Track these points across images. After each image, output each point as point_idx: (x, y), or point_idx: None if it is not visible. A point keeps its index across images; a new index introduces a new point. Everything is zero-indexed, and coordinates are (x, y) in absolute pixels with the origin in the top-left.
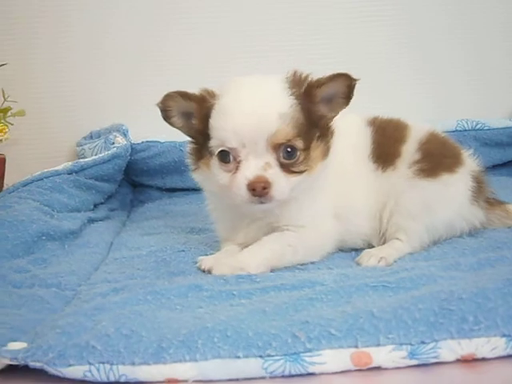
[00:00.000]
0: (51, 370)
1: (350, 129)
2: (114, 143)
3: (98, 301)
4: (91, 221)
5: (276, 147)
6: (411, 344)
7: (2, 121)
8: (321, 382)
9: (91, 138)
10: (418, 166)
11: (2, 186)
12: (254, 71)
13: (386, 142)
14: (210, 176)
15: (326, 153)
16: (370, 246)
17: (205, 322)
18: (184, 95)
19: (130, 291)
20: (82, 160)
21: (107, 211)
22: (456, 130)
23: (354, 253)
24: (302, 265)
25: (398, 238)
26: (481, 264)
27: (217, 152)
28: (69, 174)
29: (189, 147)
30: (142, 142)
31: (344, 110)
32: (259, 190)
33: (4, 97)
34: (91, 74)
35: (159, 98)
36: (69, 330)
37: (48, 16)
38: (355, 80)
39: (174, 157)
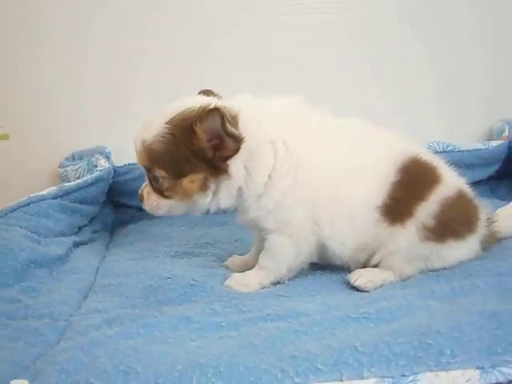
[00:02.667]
0: None
1: (376, 165)
2: (96, 166)
3: (93, 334)
4: (76, 245)
5: (146, 170)
6: (393, 377)
7: None
8: None
9: (73, 159)
10: (429, 233)
11: None
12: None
13: (404, 199)
14: None
15: (203, 187)
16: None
17: (198, 357)
18: None
19: (123, 324)
20: (66, 184)
21: (90, 233)
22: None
23: (334, 276)
24: (286, 291)
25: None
26: (454, 293)
27: None
28: (54, 198)
29: None
30: (125, 165)
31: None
32: (138, 198)
33: None
34: (72, 95)
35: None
36: (67, 367)
37: (28, 36)
38: (224, 112)
39: None
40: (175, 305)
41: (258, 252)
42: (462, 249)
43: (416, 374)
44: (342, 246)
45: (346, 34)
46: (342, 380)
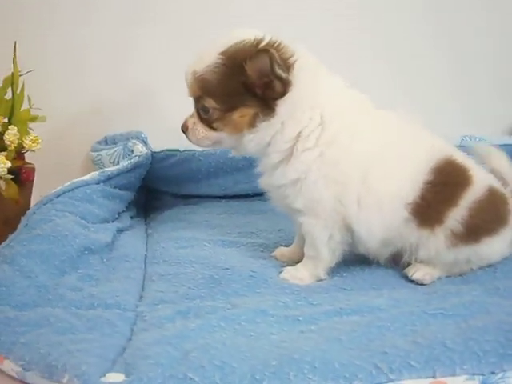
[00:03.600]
0: None
1: (411, 161)
2: (133, 151)
3: (173, 327)
4: (119, 231)
5: (195, 100)
6: (483, 374)
7: (29, 128)
8: None
9: (106, 143)
10: (458, 238)
11: (31, 196)
12: None
13: (435, 202)
14: None
15: (252, 123)
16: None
17: (291, 353)
18: None
19: (198, 316)
20: (107, 169)
21: (129, 219)
22: (461, 146)
23: (390, 270)
24: (347, 284)
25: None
26: None
27: None
28: (96, 183)
29: None
30: (162, 151)
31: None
32: (181, 128)
33: (30, 104)
34: (107, 80)
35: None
36: (161, 361)
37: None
38: (273, 54)
39: (192, 166)
40: (241, 296)
41: (301, 241)
42: (500, 243)
43: (505, 371)
44: (369, 235)
45: (346, 32)
46: (434, 377)
